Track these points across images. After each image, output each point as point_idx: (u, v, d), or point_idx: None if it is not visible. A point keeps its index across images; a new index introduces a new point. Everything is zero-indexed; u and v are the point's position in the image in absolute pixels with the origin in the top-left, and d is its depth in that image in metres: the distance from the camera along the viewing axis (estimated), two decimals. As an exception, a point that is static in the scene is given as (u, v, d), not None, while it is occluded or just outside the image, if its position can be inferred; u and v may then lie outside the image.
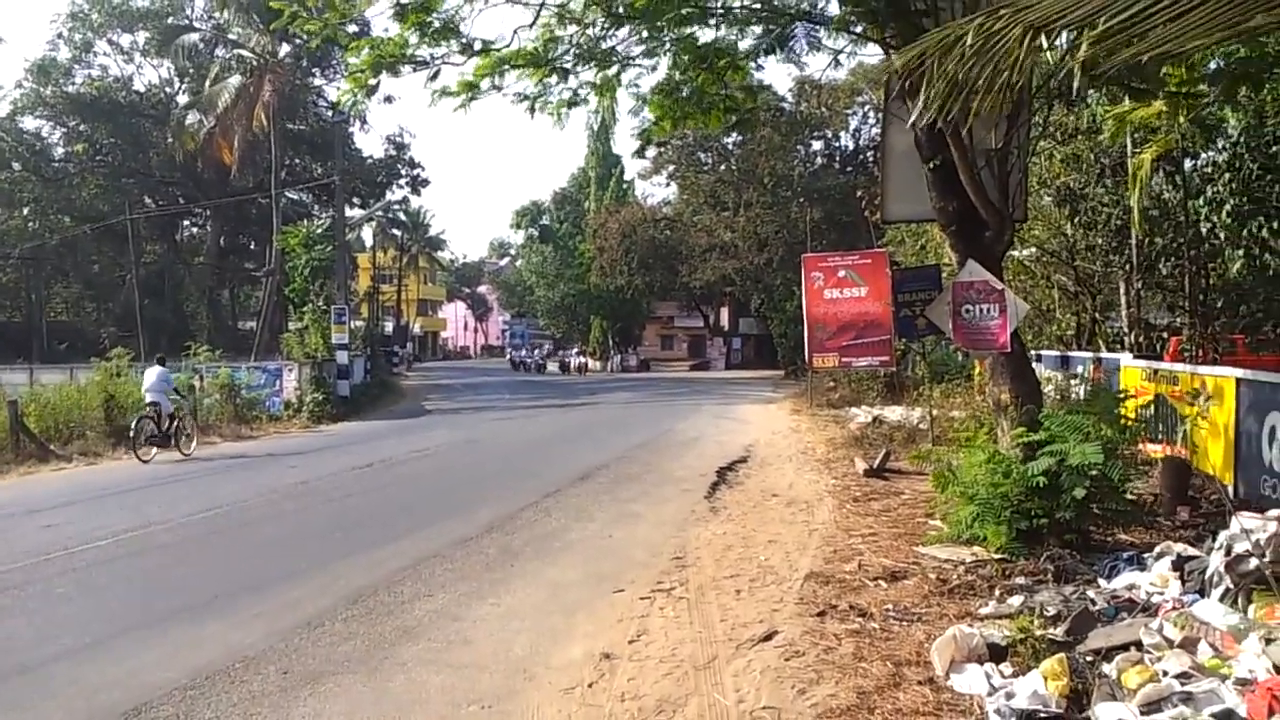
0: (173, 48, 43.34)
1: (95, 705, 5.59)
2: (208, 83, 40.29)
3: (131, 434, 18.30)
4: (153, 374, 19.11)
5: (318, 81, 47.23)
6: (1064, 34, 4.67)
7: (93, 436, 20.12)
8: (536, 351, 70.48)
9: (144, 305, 41.94)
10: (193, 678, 5.96)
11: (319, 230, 32.73)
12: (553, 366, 64.34)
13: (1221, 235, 14.69)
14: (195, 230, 54.80)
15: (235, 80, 38.71)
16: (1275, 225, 13.66)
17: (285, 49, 40.79)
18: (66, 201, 45.41)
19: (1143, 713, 4.41)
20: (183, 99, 45.83)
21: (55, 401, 20.82)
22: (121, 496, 13.99)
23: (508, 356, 75.48)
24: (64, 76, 45.31)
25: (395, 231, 77.15)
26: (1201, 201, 14.75)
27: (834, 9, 10.28)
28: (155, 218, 46.92)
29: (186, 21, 45.29)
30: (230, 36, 41.41)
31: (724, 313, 64.71)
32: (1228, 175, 14.06)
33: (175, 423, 18.84)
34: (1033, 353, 13.88)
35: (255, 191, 42.51)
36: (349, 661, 6.24)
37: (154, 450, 18.27)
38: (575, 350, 65.28)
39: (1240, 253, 14.35)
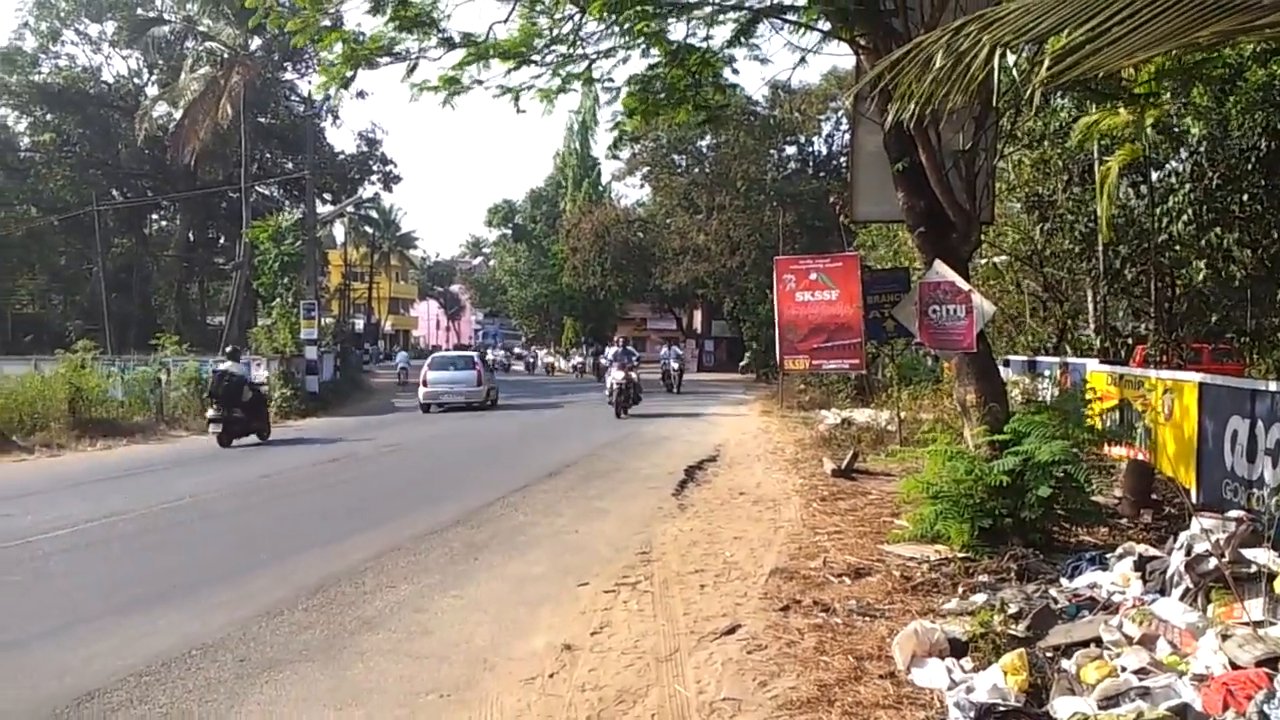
0: (142, 40, 42.75)
1: (47, 692, 5.49)
2: (181, 76, 39.78)
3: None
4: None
5: (289, 75, 46.79)
6: (1026, 48, 4.76)
7: (56, 428, 19.85)
8: (535, 352, 63.67)
9: (111, 298, 41.33)
10: (148, 664, 5.87)
11: (289, 224, 32.35)
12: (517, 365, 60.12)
13: (1179, 247, 14.83)
14: (164, 224, 54.01)
15: (205, 72, 38.27)
16: (1236, 235, 13.79)
17: (256, 42, 40.30)
18: (32, 192, 44.54)
19: (1101, 707, 4.43)
20: (152, 90, 45.26)
21: (18, 392, 20.47)
22: (84, 487, 13.80)
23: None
24: (30, 66, 44.45)
25: (367, 229, 76.64)
26: (1160, 211, 14.89)
27: (801, 1, 10.21)
28: (123, 210, 46.22)
29: (156, 13, 44.70)
30: (200, 29, 40.95)
31: (697, 315, 64.60)
32: (1189, 186, 14.18)
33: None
34: (1000, 357, 13.97)
35: (225, 185, 42.06)
36: (307, 650, 6.18)
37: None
38: (545, 350, 61.30)
39: (1203, 262, 14.48)
